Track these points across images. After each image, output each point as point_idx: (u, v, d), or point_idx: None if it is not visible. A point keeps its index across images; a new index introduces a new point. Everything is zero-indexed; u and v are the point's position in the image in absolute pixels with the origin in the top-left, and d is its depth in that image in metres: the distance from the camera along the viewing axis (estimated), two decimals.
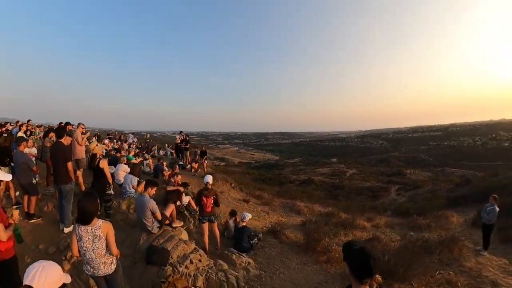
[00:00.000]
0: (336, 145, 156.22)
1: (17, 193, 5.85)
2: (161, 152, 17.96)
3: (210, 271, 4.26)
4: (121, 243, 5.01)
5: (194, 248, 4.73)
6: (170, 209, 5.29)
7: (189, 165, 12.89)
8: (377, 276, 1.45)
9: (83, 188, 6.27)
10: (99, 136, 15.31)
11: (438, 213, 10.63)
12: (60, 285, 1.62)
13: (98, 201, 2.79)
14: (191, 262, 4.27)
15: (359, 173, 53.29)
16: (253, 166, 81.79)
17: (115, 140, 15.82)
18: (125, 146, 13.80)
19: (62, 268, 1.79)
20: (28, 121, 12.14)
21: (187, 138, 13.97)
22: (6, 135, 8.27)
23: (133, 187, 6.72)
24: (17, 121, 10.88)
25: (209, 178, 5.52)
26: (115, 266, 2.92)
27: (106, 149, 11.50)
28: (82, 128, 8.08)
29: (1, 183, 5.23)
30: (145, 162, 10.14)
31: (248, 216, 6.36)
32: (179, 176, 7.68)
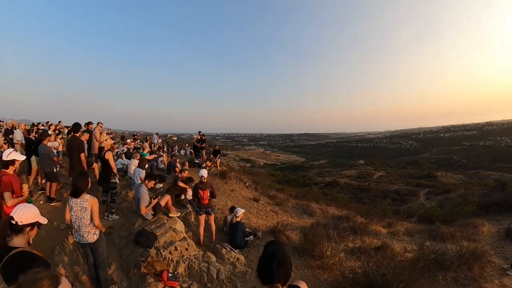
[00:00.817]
0: (364, 146, 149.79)
1: (43, 181, 6.86)
2: (182, 152, 18.45)
3: (194, 260, 4.36)
4: (120, 227, 5.58)
5: (183, 238, 4.96)
6: (165, 199, 5.63)
7: (204, 164, 13.07)
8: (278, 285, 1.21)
9: (98, 178, 6.70)
10: (124, 136, 16.28)
11: (466, 221, 9.52)
12: (35, 221, 2.10)
13: (89, 180, 3.34)
14: (176, 249, 4.46)
15: (386, 175, 51.03)
16: (278, 168, 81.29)
17: (138, 140, 16.55)
18: (146, 145, 14.51)
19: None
20: (59, 122, 13.31)
21: (203, 138, 14.32)
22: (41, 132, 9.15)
23: (140, 179, 7.10)
24: (47, 122, 12.32)
25: (204, 172, 5.69)
26: (97, 237, 3.38)
27: (128, 147, 12.09)
28: (101, 127, 9.00)
29: (32, 171, 6.71)
30: (160, 159, 10.51)
31: (241, 211, 6.22)
32: (186, 172, 8.43)
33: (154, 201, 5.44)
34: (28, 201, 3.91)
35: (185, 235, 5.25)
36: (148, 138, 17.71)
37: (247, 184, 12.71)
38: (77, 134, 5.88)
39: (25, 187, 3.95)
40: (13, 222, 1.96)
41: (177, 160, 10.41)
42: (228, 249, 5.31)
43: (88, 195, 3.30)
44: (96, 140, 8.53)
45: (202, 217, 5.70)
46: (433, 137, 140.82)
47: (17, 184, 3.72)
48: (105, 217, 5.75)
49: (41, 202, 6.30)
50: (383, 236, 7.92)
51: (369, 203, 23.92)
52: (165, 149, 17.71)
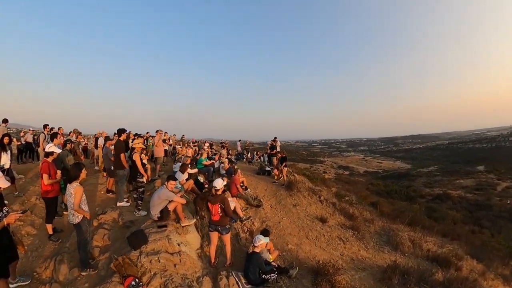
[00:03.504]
0: (483, 147, 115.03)
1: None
2: (262, 158, 18.14)
3: (179, 280, 3.90)
4: (140, 222, 5.52)
5: (179, 252, 4.51)
6: (173, 204, 5.21)
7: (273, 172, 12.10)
8: None
9: (148, 179, 7.24)
10: (200, 143, 17.17)
11: None
12: None
13: (81, 171, 4.00)
14: (159, 261, 4.13)
15: None
16: (380, 176, 72.06)
17: (224, 147, 17.11)
18: (223, 152, 14.81)
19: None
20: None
21: (274, 144, 13.38)
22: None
23: (180, 183, 7.04)
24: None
25: (218, 183, 4.68)
26: (79, 220, 3.92)
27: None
28: (160, 134, 9.84)
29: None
30: (221, 165, 10.24)
31: (261, 240, 4.71)
32: (224, 179, 7.41)
33: (172, 205, 5.19)
34: (60, 184, 5.11)
35: (183, 250, 4.63)
36: (224, 145, 18.15)
37: (321, 198, 10.96)
38: (120, 138, 6.40)
39: (58, 172, 4.90)
40: None
41: (235, 166, 9.93)
42: (236, 281, 4.36)
43: (76, 183, 3.90)
44: (155, 145, 9.56)
45: (213, 235, 4.85)
46: None
47: (53, 170, 4.78)
48: (134, 213, 6.11)
49: (102, 192, 7.54)
50: None
51: (489, 227, 17.68)
52: (248, 155, 17.77)
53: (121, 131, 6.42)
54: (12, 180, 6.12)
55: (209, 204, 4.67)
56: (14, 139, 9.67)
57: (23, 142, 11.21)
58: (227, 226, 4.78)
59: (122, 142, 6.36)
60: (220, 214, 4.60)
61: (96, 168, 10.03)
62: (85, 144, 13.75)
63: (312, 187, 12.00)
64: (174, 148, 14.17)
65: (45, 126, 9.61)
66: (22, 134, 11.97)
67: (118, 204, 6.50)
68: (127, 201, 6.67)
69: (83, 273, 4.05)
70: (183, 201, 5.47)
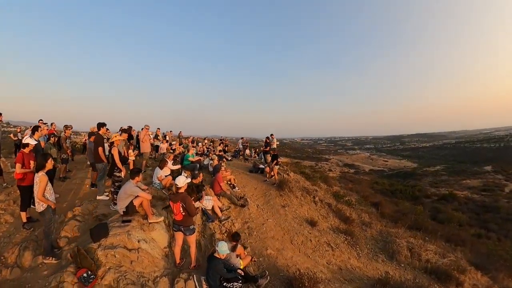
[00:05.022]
0: (491, 147, 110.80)
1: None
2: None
3: (132, 278, 3.67)
4: (108, 215, 5.53)
5: (138, 249, 4.27)
6: (138, 200, 4.87)
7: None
8: None
9: (125, 173, 6.94)
10: (197, 141, 16.55)
11: None
12: None
13: (46, 161, 4.02)
14: (115, 256, 3.92)
15: None
16: (386, 175, 70.26)
17: (222, 144, 16.42)
18: (219, 148, 14.21)
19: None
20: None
21: (267, 141, 12.63)
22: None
23: (158, 179, 7.07)
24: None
25: (180, 180, 4.23)
26: (43, 209, 3.97)
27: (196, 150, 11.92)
28: (147, 129, 9.60)
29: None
30: (210, 162, 9.60)
31: (224, 246, 4.07)
32: (199, 177, 7.25)
33: (138, 200, 4.86)
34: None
35: (143, 248, 4.35)
36: (223, 141, 17.51)
37: (316, 198, 10.18)
38: (99, 132, 6.38)
39: (32, 163, 4.92)
40: None
41: (223, 164, 9.30)
42: (195, 286, 3.86)
43: (42, 172, 3.97)
44: (141, 141, 9.34)
45: (178, 235, 4.40)
46: None
47: (27, 160, 4.89)
48: (110, 206, 5.93)
49: (87, 186, 7.56)
50: None
51: (496, 231, 16.55)
52: (245, 152, 17.08)
53: (100, 125, 6.39)
54: (0, 172, 6.74)
55: (171, 203, 4.30)
56: (11, 135, 10.42)
57: (20, 138, 11.06)
58: (191, 227, 4.30)
59: (101, 135, 6.37)
60: (183, 214, 4.17)
61: (89, 163, 9.73)
62: (84, 140, 13.87)
63: (307, 187, 11.21)
64: (171, 144, 13.62)
65: (39, 121, 9.78)
66: (18, 130, 12.09)
67: (98, 197, 6.41)
68: (107, 195, 6.51)
69: (46, 261, 4.08)
70: (149, 196, 5.05)
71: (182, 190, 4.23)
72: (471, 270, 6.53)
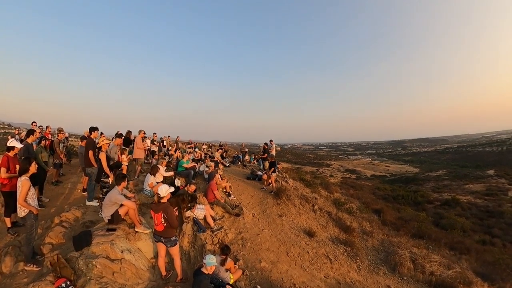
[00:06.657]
0: (493, 151, 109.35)
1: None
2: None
3: None
4: (95, 222, 5.31)
5: (121, 259, 4.10)
6: (123, 209, 4.68)
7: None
8: None
9: (112, 179, 6.65)
10: (195, 146, 16.33)
11: None
12: None
13: (29, 165, 3.89)
14: (96, 266, 3.74)
15: None
16: (387, 180, 69.35)
17: (220, 150, 16.21)
18: (217, 154, 13.98)
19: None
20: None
21: (266, 147, 12.29)
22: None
23: (149, 186, 6.85)
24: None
25: (162, 190, 3.98)
26: (25, 214, 3.80)
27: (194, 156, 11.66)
28: (142, 135, 9.28)
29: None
30: (205, 169, 9.28)
31: (211, 258, 3.75)
32: (192, 186, 7.30)
33: (123, 209, 4.66)
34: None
35: (125, 258, 4.17)
36: (223, 147, 17.25)
37: (315, 206, 9.80)
38: (91, 136, 6.32)
39: (17, 166, 4.56)
40: None
41: (219, 171, 9.01)
42: None
43: (25, 176, 3.82)
44: (137, 147, 8.93)
45: (160, 246, 4.15)
46: None
47: (13, 164, 4.60)
48: (98, 213, 5.63)
49: (79, 191, 7.49)
50: None
51: (501, 236, 16.02)
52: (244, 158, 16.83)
53: (92, 129, 6.38)
54: None
55: (152, 212, 4.06)
56: (9, 136, 9.73)
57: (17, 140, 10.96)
58: (173, 238, 4.05)
59: (92, 139, 6.30)
60: (164, 224, 3.92)
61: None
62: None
63: (306, 195, 10.84)
64: (168, 149, 13.38)
65: (32, 123, 9.32)
66: (16, 132, 11.93)
67: (87, 203, 6.18)
68: (97, 201, 6.24)
69: (27, 268, 3.93)
70: (133, 206, 4.81)
71: (164, 200, 3.99)
72: (478, 282, 6.11)
